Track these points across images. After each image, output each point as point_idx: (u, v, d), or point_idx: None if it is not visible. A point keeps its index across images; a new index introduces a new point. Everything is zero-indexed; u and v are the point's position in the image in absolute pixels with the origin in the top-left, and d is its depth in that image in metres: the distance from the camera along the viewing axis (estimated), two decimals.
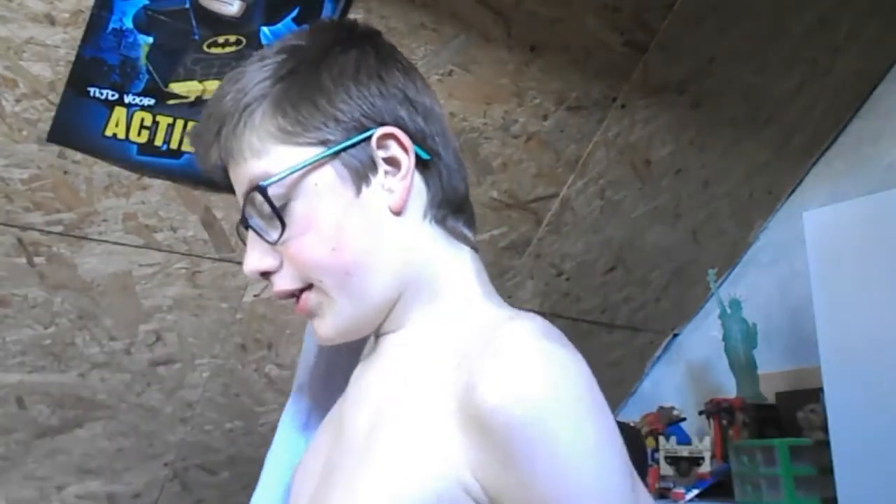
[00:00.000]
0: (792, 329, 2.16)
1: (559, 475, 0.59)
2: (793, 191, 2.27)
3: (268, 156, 0.72)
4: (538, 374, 0.60)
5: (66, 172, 1.49)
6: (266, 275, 0.74)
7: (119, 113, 1.46)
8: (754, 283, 2.29)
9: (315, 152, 0.71)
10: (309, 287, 0.73)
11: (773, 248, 2.29)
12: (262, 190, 0.70)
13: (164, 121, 1.49)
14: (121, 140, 1.48)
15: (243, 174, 0.73)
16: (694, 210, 2.19)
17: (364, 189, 0.72)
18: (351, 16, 1.51)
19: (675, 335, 2.49)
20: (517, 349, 0.61)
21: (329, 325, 0.74)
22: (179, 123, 1.51)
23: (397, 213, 0.73)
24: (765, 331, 2.11)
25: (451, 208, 0.78)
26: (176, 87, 1.47)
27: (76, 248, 1.59)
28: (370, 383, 0.75)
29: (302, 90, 0.72)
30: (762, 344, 2.08)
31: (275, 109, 0.72)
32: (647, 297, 2.34)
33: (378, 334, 0.78)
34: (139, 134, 1.49)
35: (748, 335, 2.07)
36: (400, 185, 0.73)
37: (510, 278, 2.08)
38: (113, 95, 1.44)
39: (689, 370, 2.43)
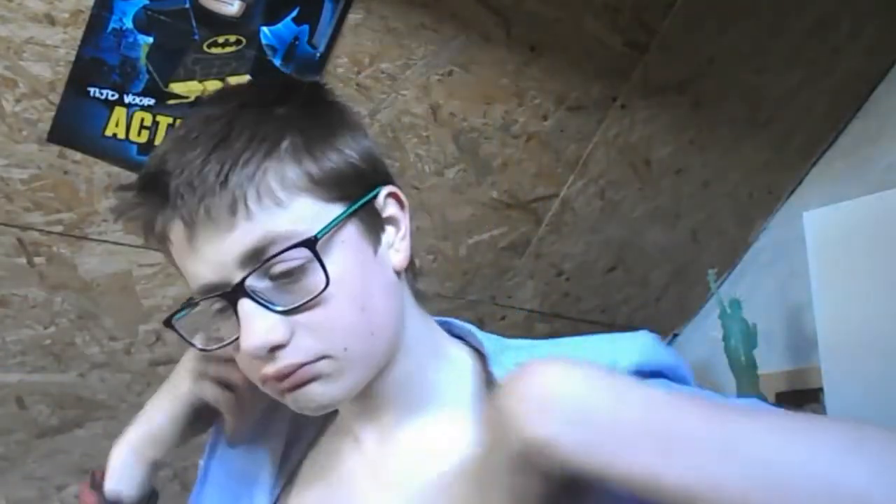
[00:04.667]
0: (792, 329, 2.16)
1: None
2: (793, 191, 2.27)
3: (291, 208, 0.65)
4: (552, 380, 0.54)
5: (66, 172, 1.49)
6: (274, 350, 0.66)
7: (119, 113, 1.46)
8: (754, 283, 2.29)
9: (341, 208, 0.68)
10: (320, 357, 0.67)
11: (773, 248, 2.29)
12: (312, 244, 0.64)
13: (164, 121, 1.49)
14: (121, 140, 1.48)
15: (251, 230, 0.64)
16: (694, 210, 2.19)
17: (378, 248, 0.71)
18: (351, 16, 1.51)
19: (675, 335, 2.49)
20: (529, 377, 0.55)
21: (335, 392, 0.68)
22: (179, 123, 1.51)
23: (398, 273, 0.73)
24: (765, 331, 2.11)
25: (417, 284, 0.77)
26: (176, 87, 1.47)
27: (76, 248, 1.59)
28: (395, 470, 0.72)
29: (325, 137, 0.69)
30: (762, 344, 2.08)
31: (299, 155, 0.67)
32: (647, 297, 2.34)
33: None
34: (139, 134, 1.49)
35: (748, 335, 2.07)
36: (402, 244, 0.73)
37: (510, 278, 2.08)
38: (113, 95, 1.44)
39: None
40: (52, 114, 1.42)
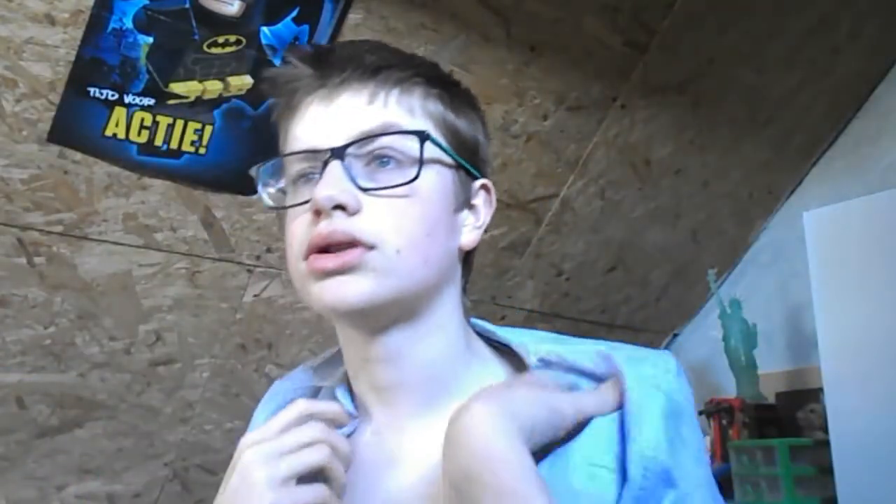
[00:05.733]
0: (792, 329, 2.16)
1: None
2: (793, 191, 2.27)
3: (418, 121, 0.72)
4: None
5: (66, 172, 1.49)
6: (336, 209, 0.68)
7: (119, 113, 1.46)
8: (754, 283, 2.29)
9: (455, 153, 0.74)
10: (366, 247, 0.68)
11: (773, 248, 2.29)
12: (424, 136, 0.70)
13: (164, 121, 1.49)
14: (121, 140, 1.48)
15: (378, 117, 0.70)
16: (694, 210, 2.19)
17: (457, 212, 0.74)
18: (351, 16, 1.51)
19: (675, 335, 2.49)
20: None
21: (371, 290, 0.68)
22: (179, 123, 1.51)
23: (461, 252, 0.75)
24: (765, 331, 2.11)
25: (466, 291, 0.79)
26: (176, 87, 1.47)
27: (76, 248, 1.59)
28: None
29: (467, 110, 0.76)
30: (762, 344, 2.08)
31: (444, 101, 0.74)
32: (647, 297, 2.34)
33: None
34: (139, 134, 1.49)
35: (748, 335, 2.07)
36: (474, 232, 0.76)
37: (510, 278, 2.08)
38: (113, 95, 1.44)
39: (688, 370, 2.41)
40: (52, 114, 1.42)
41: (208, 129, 1.53)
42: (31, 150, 1.45)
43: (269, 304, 1.83)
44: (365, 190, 0.69)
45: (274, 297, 1.82)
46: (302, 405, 0.68)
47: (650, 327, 2.42)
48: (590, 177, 1.97)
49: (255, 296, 1.80)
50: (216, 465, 2.01)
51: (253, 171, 0.74)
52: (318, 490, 0.65)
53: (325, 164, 0.69)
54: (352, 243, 0.68)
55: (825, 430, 1.66)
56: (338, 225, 0.68)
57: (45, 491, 1.86)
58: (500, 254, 2.02)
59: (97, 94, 1.43)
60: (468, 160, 0.75)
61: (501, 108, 1.75)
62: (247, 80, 1.51)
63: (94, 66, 1.40)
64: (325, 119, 0.71)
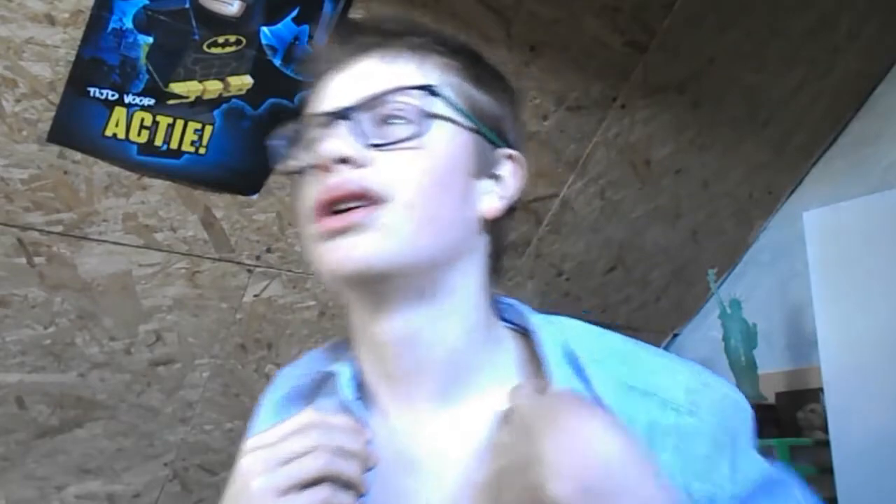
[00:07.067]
0: (792, 329, 2.16)
1: None
2: (793, 191, 2.27)
3: (430, 82, 0.69)
4: None
5: (66, 172, 1.49)
6: (341, 162, 0.66)
7: (119, 113, 1.46)
8: (754, 283, 2.29)
9: (470, 114, 0.70)
10: (374, 202, 0.65)
11: (773, 248, 2.29)
12: (431, 90, 0.68)
13: (164, 121, 1.49)
14: (121, 140, 1.48)
15: (391, 80, 0.68)
16: (694, 210, 2.19)
17: (477, 178, 0.70)
18: (351, 16, 1.51)
19: (675, 335, 2.49)
20: None
21: (380, 248, 0.64)
22: (179, 123, 1.51)
23: (481, 221, 0.71)
24: (765, 331, 2.11)
25: (497, 267, 0.74)
26: (176, 87, 1.47)
27: (76, 248, 1.59)
28: None
29: (490, 83, 0.73)
30: (762, 344, 2.08)
31: (464, 73, 0.71)
32: (647, 297, 2.34)
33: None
34: (139, 134, 1.49)
35: (748, 335, 2.07)
36: (499, 202, 0.72)
37: (510, 278, 2.08)
38: (113, 95, 1.44)
39: None
40: (52, 114, 1.42)
41: (208, 129, 1.53)
42: (31, 150, 1.45)
43: (269, 304, 1.83)
44: (373, 146, 0.66)
45: (274, 297, 1.82)
46: (309, 416, 0.64)
47: (650, 327, 2.42)
48: (590, 177, 1.97)
49: (255, 296, 1.80)
50: (216, 465, 2.01)
51: (268, 142, 0.72)
52: (318, 494, 0.61)
53: (332, 125, 0.68)
54: (361, 196, 0.65)
55: (825, 430, 1.66)
56: (346, 175, 0.65)
57: (45, 491, 1.86)
58: None
59: (97, 94, 1.43)
60: (490, 126, 0.72)
61: None
62: (247, 80, 1.51)
63: (94, 66, 1.40)
64: (338, 84, 0.70)
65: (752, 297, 2.18)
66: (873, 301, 1.61)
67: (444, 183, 0.67)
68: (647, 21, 1.73)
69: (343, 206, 0.65)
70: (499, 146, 0.72)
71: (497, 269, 0.74)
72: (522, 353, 0.72)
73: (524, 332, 0.73)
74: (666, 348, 2.49)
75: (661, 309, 2.38)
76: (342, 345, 0.78)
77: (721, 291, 2.17)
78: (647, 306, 2.36)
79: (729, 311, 2.10)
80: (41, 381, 1.71)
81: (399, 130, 0.67)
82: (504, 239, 0.75)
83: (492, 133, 0.72)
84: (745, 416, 0.69)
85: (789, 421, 1.99)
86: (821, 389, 1.69)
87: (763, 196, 2.24)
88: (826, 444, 1.64)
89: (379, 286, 0.67)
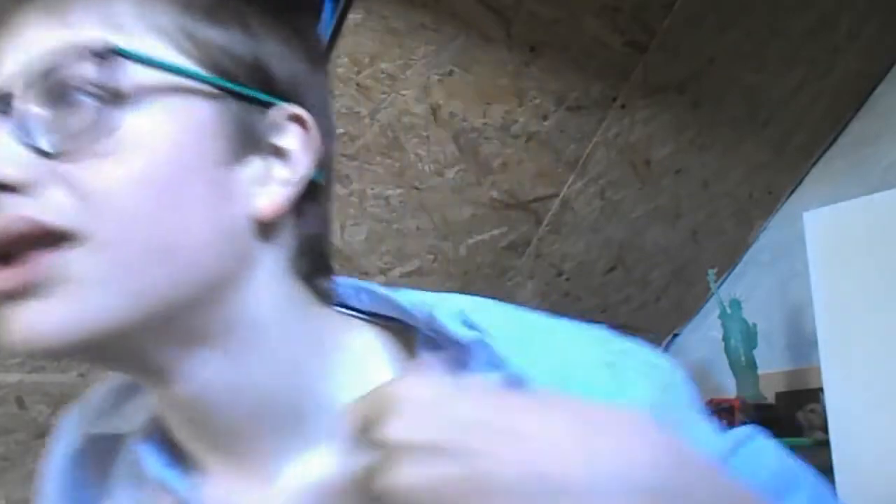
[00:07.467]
0: (792, 329, 2.16)
1: None
2: (793, 191, 2.27)
3: (125, 34, 0.45)
4: None
5: None
6: (5, 191, 0.42)
7: None
8: (754, 283, 2.30)
9: (199, 71, 0.46)
10: (61, 242, 0.43)
11: (773, 248, 2.29)
12: (121, 52, 0.44)
13: None
14: None
15: (59, 32, 0.44)
16: (694, 210, 2.19)
17: (232, 165, 0.47)
18: (351, 16, 1.51)
19: (675, 335, 2.49)
20: None
21: (67, 310, 0.43)
22: None
23: (261, 224, 0.48)
24: (765, 331, 2.11)
25: (318, 264, 0.52)
26: None
27: None
28: None
29: (241, 8, 0.49)
30: (762, 344, 2.08)
31: (192, 7, 0.47)
32: (647, 297, 2.34)
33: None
34: None
35: (748, 335, 2.07)
36: (281, 191, 0.48)
37: (510, 278, 2.08)
38: None
39: (689, 370, 2.42)
40: None
41: None
42: None
43: None
44: (45, 154, 0.43)
45: None
46: None
47: (650, 327, 2.42)
48: (590, 177, 1.97)
49: None
50: None
51: None
52: None
53: None
54: (39, 236, 0.42)
55: (825, 430, 1.66)
56: (10, 211, 0.42)
57: None
58: (500, 254, 2.02)
59: None
60: (251, 80, 0.47)
61: (501, 108, 1.75)
62: None
63: None
64: (7, 46, 0.46)
65: (752, 297, 2.19)
66: (873, 301, 1.61)
67: (173, 190, 0.45)
68: (647, 21, 1.73)
69: (15, 251, 0.43)
70: (271, 105, 0.48)
71: (316, 264, 0.52)
72: (389, 348, 0.53)
73: (387, 320, 0.54)
74: (666, 348, 2.50)
75: (661, 309, 2.38)
76: (135, 389, 0.57)
77: (721, 291, 2.17)
78: (647, 306, 2.36)
79: (729, 311, 2.10)
80: (41, 381, 1.71)
81: (80, 122, 0.43)
82: (314, 227, 0.52)
83: (254, 88, 0.48)
84: (678, 382, 0.55)
85: (789, 421, 1.99)
86: (821, 389, 1.69)
87: (763, 196, 2.25)
88: (826, 444, 1.63)
89: (105, 357, 0.47)
